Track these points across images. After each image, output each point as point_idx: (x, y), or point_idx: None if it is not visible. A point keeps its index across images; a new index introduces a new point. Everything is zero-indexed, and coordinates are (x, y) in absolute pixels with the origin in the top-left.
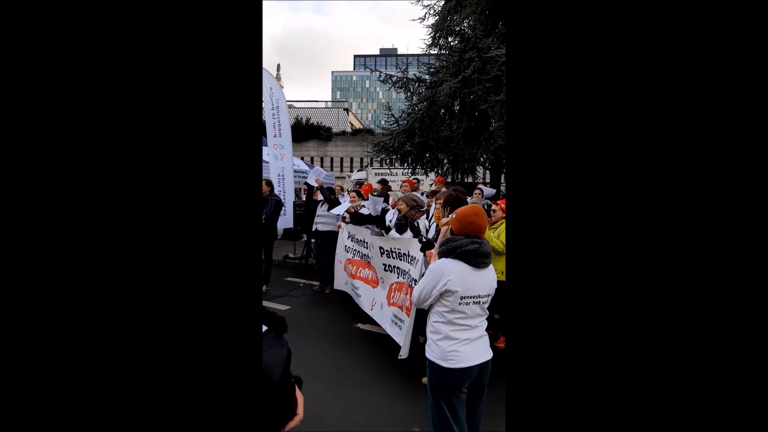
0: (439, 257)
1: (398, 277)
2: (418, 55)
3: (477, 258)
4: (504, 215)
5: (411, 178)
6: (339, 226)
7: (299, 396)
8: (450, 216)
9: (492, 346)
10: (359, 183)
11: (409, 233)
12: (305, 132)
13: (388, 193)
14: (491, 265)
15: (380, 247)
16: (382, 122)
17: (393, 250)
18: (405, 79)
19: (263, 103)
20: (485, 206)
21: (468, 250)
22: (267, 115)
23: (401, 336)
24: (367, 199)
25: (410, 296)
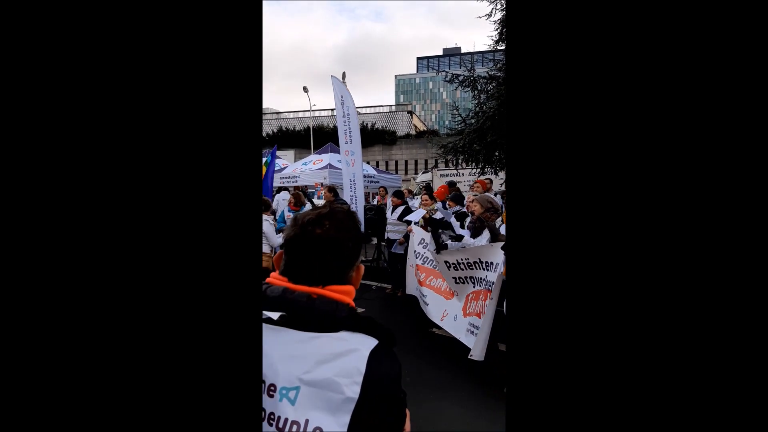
0: None
1: (475, 286)
2: (483, 52)
3: None
4: None
5: (483, 179)
6: (410, 230)
7: (406, 411)
8: None
9: None
10: (427, 186)
11: (486, 235)
12: (370, 137)
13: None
14: None
15: (446, 262)
16: (447, 123)
17: (461, 261)
18: (472, 78)
19: (335, 111)
20: None
21: None
22: (339, 123)
23: (477, 342)
24: (439, 201)
25: (488, 301)
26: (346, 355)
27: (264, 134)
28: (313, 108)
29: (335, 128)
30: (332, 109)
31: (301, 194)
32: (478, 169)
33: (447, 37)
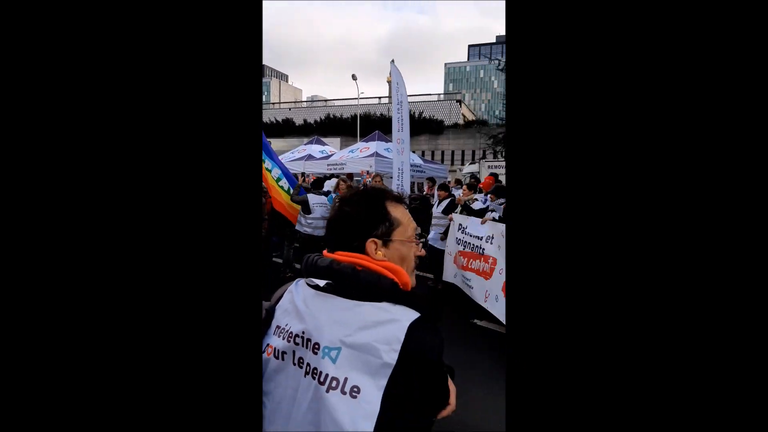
0: None
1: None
2: None
3: None
4: None
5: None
6: (450, 219)
7: (452, 386)
8: None
9: None
10: (474, 176)
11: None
12: (417, 126)
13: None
14: None
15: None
16: (497, 112)
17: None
18: None
19: (392, 98)
20: None
21: None
22: (393, 110)
23: None
24: (483, 192)
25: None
26: (387, 324)
27: (312, 121)
28: (361, 96)
29: (382, 116)
30: (379, 98)
31: (343, 181)
32: None
33: (501, 24)
